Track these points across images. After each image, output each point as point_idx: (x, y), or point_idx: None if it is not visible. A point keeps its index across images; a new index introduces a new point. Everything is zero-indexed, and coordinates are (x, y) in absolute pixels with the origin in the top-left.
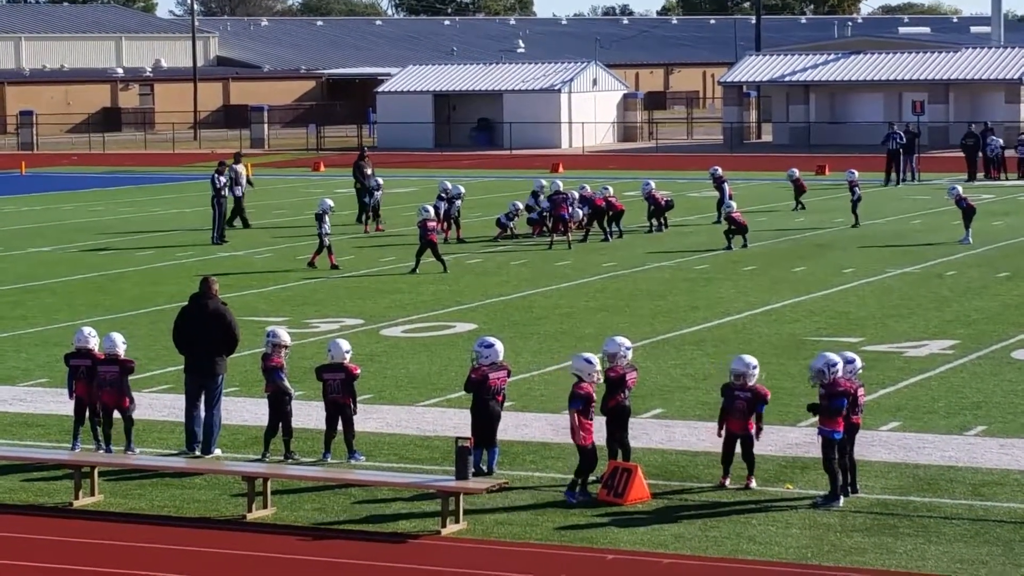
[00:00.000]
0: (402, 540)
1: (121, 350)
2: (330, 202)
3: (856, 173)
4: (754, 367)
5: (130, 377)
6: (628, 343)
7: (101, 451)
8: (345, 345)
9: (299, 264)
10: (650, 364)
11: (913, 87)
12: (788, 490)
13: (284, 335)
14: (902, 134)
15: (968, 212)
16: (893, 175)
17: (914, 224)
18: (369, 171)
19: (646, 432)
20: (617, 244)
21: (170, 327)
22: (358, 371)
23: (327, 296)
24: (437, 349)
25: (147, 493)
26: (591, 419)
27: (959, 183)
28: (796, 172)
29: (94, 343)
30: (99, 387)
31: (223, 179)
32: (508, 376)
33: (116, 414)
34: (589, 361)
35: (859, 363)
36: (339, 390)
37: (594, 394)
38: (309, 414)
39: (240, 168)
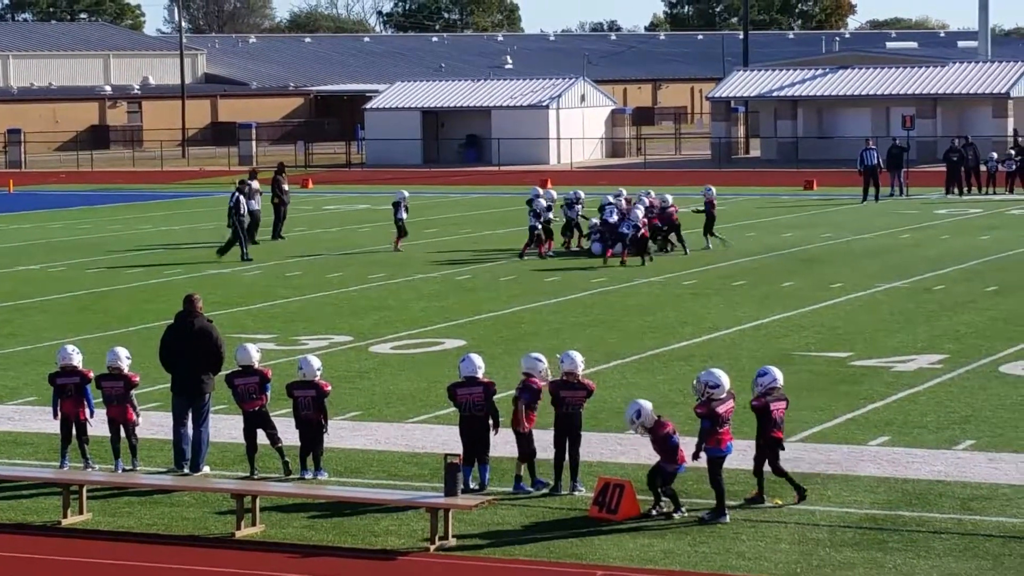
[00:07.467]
0: (391, 557)
1: (125, 364)
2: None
3: (713, 189)
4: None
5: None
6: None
7: (89, 469)
8: (316, 363)
9: (288, 281)
10: (639, 379)
11: (901, 102)
12: (777, 505)
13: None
14: (876, 150)
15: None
16: (871, 190)
17: (903, 239)
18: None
19: (635, 448)
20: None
21: (157, 345)
22: (329, 388)
23: (316, 313)
24: (426, 366)
25: (136, 511)
26: (535, 412)
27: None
28: (712, 190)
29: (78, 360)
30: (105, 402)
31: (242, 197)
32: (486, 392)
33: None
34: (539, 360)
35: (772, 376)
36: (311, 407)
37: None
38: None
39: (255, 184)
